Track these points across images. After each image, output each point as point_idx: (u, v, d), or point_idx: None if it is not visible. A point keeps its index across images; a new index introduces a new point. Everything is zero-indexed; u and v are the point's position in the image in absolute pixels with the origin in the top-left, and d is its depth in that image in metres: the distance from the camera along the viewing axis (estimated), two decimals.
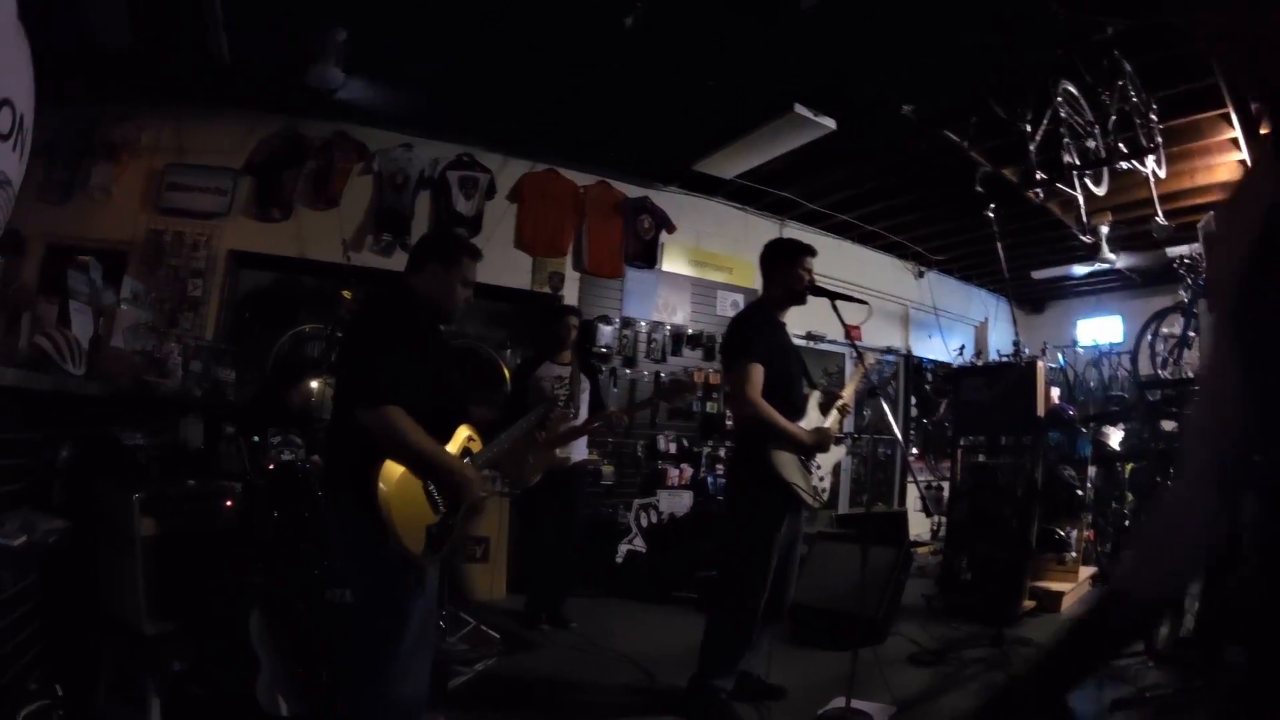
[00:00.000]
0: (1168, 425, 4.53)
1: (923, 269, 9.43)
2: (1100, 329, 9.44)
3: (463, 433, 2.74)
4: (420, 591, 2.49)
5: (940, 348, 9.42)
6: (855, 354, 3.93)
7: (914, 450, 9.52)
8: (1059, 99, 4.17)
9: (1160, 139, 4.60)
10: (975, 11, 4.05)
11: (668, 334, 7.42)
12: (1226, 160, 5.42)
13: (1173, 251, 5.63)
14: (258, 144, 6.00)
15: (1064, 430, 5.55)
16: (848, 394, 4.01)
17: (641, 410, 6.34)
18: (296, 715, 3.01)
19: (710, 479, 7.37)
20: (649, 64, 4.94)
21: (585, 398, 5.33)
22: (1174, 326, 5.54)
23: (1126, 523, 5.24)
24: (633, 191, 7.31)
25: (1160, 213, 4.89)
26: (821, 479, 3.76)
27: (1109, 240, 6.02)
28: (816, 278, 3.74)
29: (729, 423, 7.28)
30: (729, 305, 7.66)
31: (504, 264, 6.69)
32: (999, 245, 5.41)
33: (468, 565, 5.78)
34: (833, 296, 3.62)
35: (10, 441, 2.61)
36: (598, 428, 5.34)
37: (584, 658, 4.51)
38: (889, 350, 9.45)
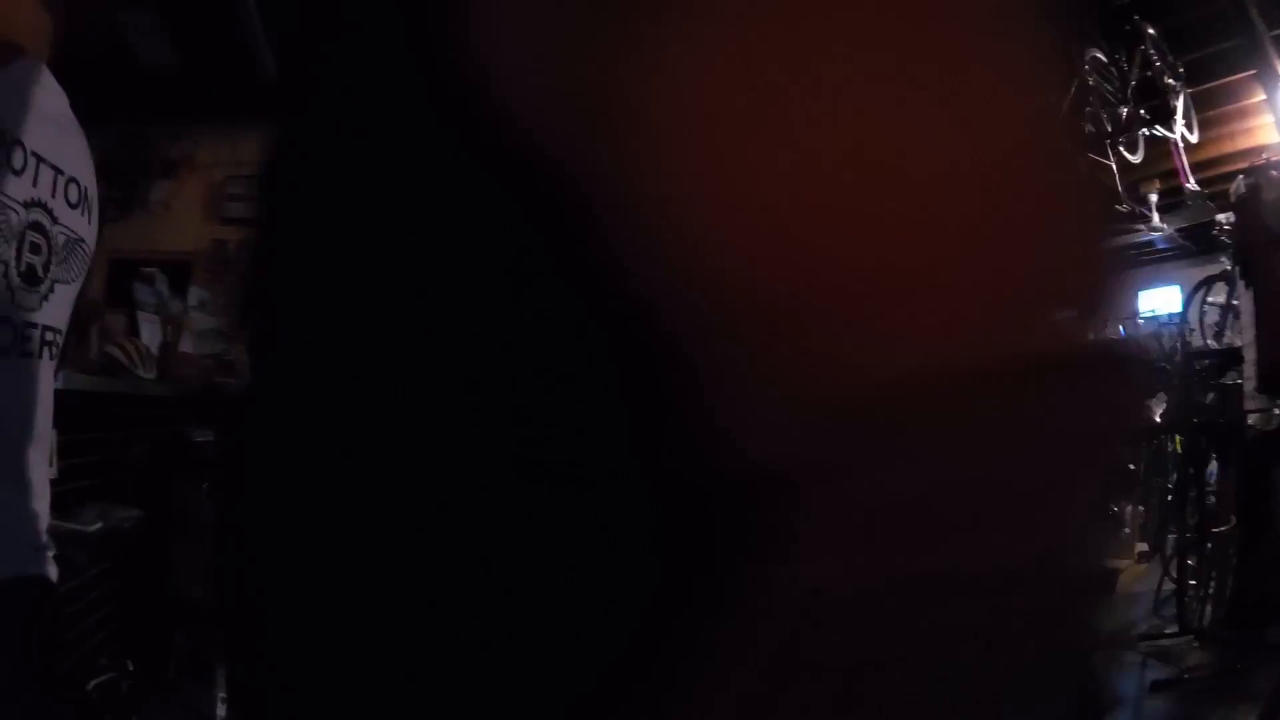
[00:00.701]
0: (1208, 397, 4.41)
1: None
2: (1160, 299, 9.09)
3: None
4: None
5: None
6: None
7: None
8: (1086, 67, 4.10)
9: (1184, 103, 4.50)
10: None
11: None
12: (1263, 123, 5.23)
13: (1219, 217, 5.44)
14: None
15: None
16: None
17: None
18: None
19: None
20: None
21: None
22: (1220, 295, 5.37)
23: (1169, 498, 5.11)
24: None
25: (1190, 179, 4.77)
26: None
27: (1159, 208, 5.87)
28: None
29: None
30: None
31: None
32: None
33: None
34: None
35: (86, 441, 2.81)
36: None
37: None
38: None
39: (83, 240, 1.33)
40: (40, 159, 1.19)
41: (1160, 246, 8.21)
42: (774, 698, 0.23)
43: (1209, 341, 5.44)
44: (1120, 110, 4.20)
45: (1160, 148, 4.90)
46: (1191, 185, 4.88)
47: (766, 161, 0.24)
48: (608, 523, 0.27)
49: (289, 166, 0.37)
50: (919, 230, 0.24)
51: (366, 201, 0.31)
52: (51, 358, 1.20)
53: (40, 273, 1.19)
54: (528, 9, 0.26)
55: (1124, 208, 5.00)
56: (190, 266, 5.72)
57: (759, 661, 0.23)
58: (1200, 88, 4.74)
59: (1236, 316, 4.52)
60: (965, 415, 0.23)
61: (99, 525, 2.58)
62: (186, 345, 3.88)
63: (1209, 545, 4.18)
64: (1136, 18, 4.05)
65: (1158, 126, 4.20)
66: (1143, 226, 5.71)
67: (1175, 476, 5.00)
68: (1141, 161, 4.68)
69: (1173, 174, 5.07)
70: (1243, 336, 4.02)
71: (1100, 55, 4.17)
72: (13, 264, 1.13)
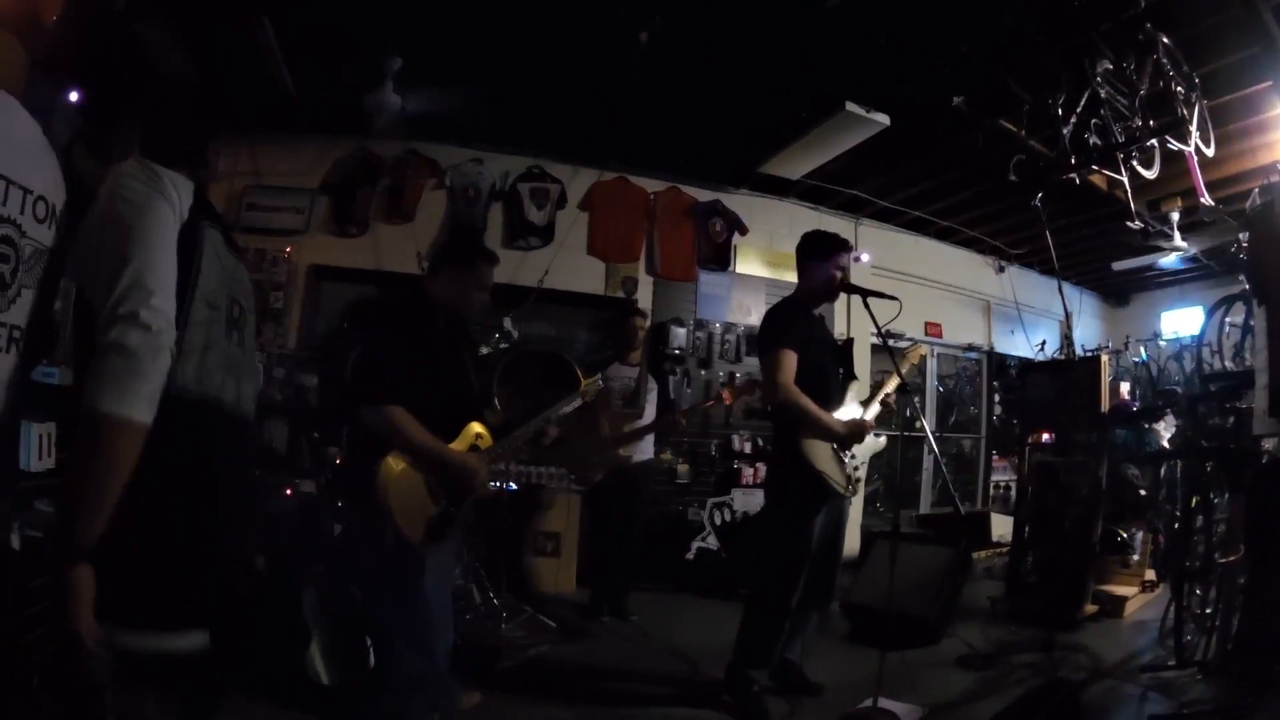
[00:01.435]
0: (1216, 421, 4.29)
1: (1003, 263, 9.06)
2: (1183, 321, 8.89)
3: (472, 430, 2.84)
4: (420, 577, 2.61)
5: (1024, 343, 9.08)
6: (897, 348, 3.92)
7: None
8: (1097, 79, 4.04)
9: (1197, 115, 4.36)
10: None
11: (740, 334, 7.49)
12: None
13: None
14: (332, 165, 6.44)
15: (1128, 427, 5.33)
16: (890, 387, 3.99)
17: (698, 411, 6.33)
18: (337, 685, 3.32)
19: None
20: (685, 74, 5.11)
21: (652, 398, 5.48)
22: (1238, 315, 5.24)
23: (1176, 525, 4.95)
24: (704, 196, 7.40)
25: (1206, 195, 4.66)
26: (856, 469, 3.75)
27: (1180, 227, 5.75)
28: (872, 273, 3.73)
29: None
30: None
31: (577, 270, 6.96)
32: (1048, 235, 5.24)
33: (534, 559, 6.05)
34: (864, 294, 3.57)
35: None
36: (664, 428, 5.50)
37: (636, 649, 4.65)
38: (970, 347, 9.16)
39: (49, 251, 1.51)
40: (9, 181, 1.38)
41: (1180, 267, 8.03)
42: None
43: (1228, 363, 5.31)
44: (1133, 123, 4.12)
45: (1178, 165, 4.82)
46: (1207, 200, 4.77)
47: None
48: None
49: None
50: None
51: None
52: (16, 353, 1.40)
53: (8, 279, 1.39)
54: None
55: (1133, 225, 4.92)
56: None
57: None
58: (1216, 101, 4.62)
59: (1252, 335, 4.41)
60: None
61: None
62: None
63: (1216, 575, 4.03)
64: (1149, 26, 3.97)
65: (1170, 139, 4.09)
66: (1164, 245, 5.62)
67: (1181, 503, 4.87)
68: (1158, 179, 4.60)
69: (1192, 192, 4.96)
70: (1257, 358, 3.91)
71: (1110, 66, 4.11)
72: None
